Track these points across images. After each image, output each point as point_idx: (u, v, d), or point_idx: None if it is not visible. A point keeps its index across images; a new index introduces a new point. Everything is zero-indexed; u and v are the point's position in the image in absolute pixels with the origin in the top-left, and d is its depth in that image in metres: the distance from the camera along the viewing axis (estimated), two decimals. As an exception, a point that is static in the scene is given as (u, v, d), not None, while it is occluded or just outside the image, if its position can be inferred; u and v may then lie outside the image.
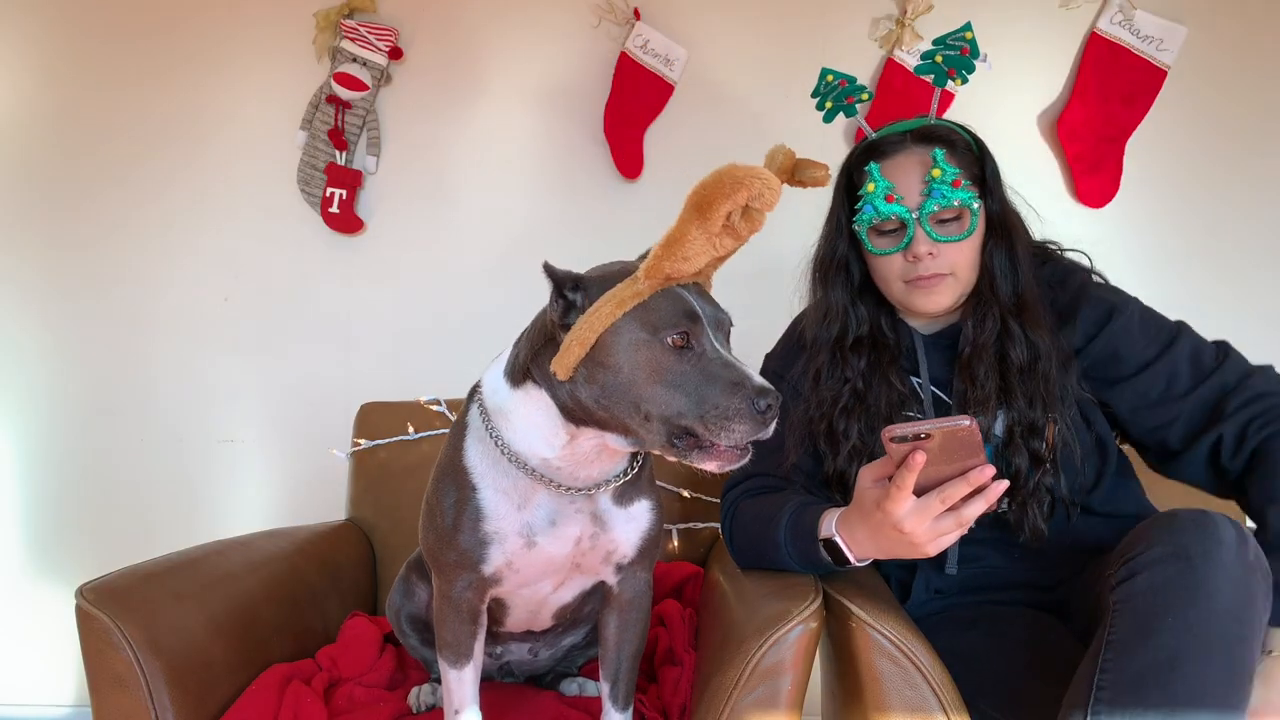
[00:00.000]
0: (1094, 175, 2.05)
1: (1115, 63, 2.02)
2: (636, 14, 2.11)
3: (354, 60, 2.15)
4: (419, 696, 1.28)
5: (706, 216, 0.86)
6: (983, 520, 0.99)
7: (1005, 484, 0.94)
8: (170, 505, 2.23)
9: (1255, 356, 1.16)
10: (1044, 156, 2.07)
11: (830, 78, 1.27)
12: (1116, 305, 1.18)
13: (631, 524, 1.07)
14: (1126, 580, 0.90)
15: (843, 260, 1.26)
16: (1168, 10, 2.01)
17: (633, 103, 2.11)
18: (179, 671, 1.12)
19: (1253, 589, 0.87)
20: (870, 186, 1.17)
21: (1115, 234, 2.05)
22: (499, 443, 1.01)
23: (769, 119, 2.13)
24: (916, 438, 0.91)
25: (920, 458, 0.92)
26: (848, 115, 1.28)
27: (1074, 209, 2.05)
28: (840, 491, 1.24)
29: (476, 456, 1.03)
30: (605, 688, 1.13)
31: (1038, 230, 1.27)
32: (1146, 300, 1.23)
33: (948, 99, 2.03)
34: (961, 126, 1.23)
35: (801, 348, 1.30)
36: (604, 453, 0.98)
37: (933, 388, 1.24)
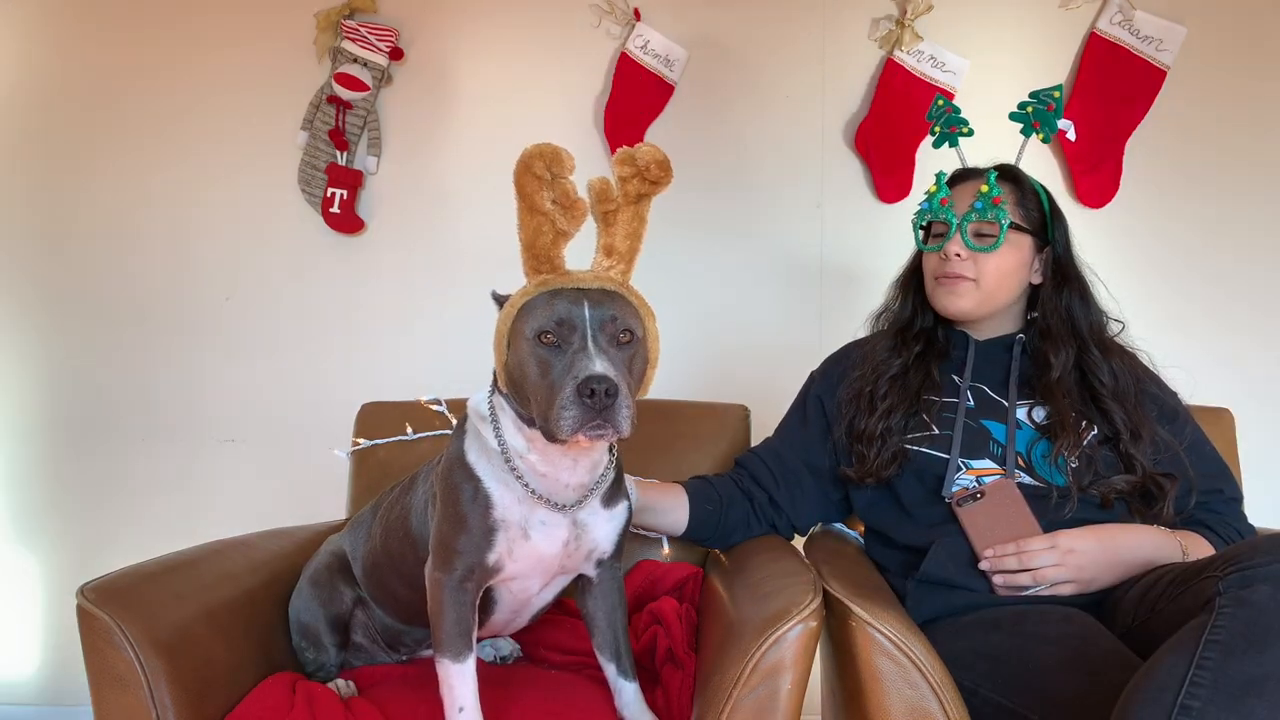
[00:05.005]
0: (1093, 175, 2.05)
1: (1115, 63, 2.03)
2: (636, 14, 2.11)
3: (355, 61, 2.15)
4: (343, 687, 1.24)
5: (524, 199, 0.99)
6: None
7: (1052, 572, 1.15)
8: (170, 505, 2.23)
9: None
10: (1044, 156, 2.07)
11: (940, 102, 1.40)
12: (1176, 410, 1.35)
13: (611, 524, 1.14)
14: (1244, 587, 0.88)
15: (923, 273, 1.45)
16: (1167, 10, 2.01)
17: (633, 103, 2.11)
18: (180, 671, 1.11)
19: None
20: (933, 188, 1.36)
21: (1115, 234, 2.06)
22: (499, 442, 1.08)
23: (769, 119, 2.14)
24: (973, 497, 1.17)
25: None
26: (951, 145, 1.38)
27: (1074, 209, 2.05)
28: (866, 447, 1.35)
29: (476, 455, 1.10)
30: (610, 668, 1.17)
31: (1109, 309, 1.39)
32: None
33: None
34: (1040, 185, 1.37)
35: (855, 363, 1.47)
36: (575, 450, 1.04)
37: (984, 386, 1.36)
